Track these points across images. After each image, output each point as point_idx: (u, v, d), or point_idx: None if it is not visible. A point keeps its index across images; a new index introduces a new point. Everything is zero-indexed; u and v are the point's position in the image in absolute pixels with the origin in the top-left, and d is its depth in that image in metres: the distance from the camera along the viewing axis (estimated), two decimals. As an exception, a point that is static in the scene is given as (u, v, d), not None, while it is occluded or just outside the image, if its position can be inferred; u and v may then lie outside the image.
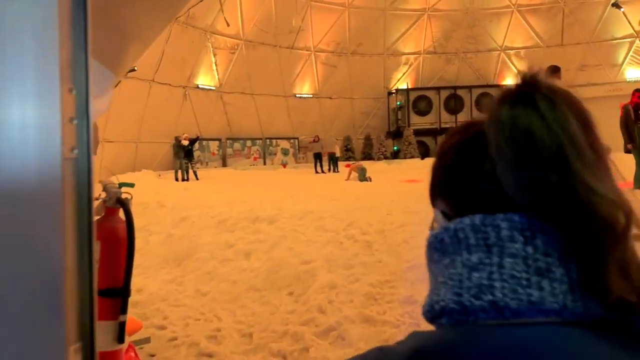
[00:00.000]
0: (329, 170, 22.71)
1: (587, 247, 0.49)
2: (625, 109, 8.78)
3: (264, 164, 26.07)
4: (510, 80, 29.23)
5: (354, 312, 4.15)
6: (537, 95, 0.53)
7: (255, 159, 26.15)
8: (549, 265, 0.50)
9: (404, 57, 29.53)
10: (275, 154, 26.92)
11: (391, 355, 0.53)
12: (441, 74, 29.48)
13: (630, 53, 26.06)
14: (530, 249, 0.51)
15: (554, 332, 0.47)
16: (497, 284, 0.50)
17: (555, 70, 7.33)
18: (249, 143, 26.03)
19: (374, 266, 5.18)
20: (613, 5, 23.28)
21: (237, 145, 25.71)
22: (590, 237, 0.49)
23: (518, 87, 0.55)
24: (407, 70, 29.75)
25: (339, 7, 26.68)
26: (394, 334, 3.70)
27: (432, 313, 0.55)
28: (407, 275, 4.76)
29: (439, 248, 0.58)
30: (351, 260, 5.36)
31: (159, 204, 9.03)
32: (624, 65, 26.32)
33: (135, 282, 5.72)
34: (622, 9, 23.32)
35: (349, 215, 6.85)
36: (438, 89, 28.89)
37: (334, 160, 23.04)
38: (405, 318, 3.99)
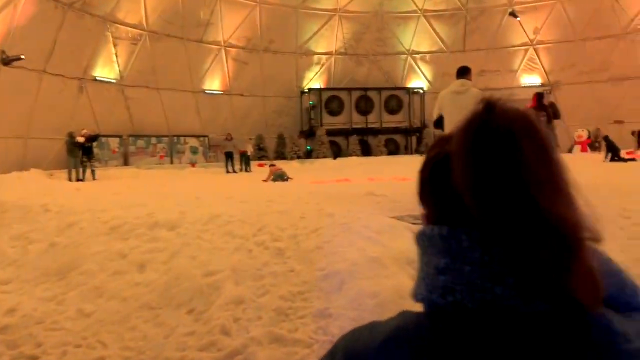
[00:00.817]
0: (241, 170, 22.01)
1: (542, 260, 0.54)
2: None
3: (171, 162, 24.74)
4: (416, 82, 30.26)
5: (262, 331, 3.69)
6: (494, 125, 0.57)
7: (161, 157, 24.75)
8: (502, 273, 0.56)
9: (316, 57, 29.49)
10: (183, 152, 25.66)
11: (378, 327, 0.63)
12: (352, 75, 29.82)
13: (525, 60, 27.95)
14: (487, 258, 0.57)
15: (502, 324, 0.55)
16: (458, 287, 0.57)
17: (465, 70, 7.32)
18: (154, 140, 24.57)
19: (286, 276, 4.74)
20: (510, 14, 24.79)
21: (140, 142, 24.16)
22: (545, 251, 0.54)
23: (478, 118, 0.59)
24: (319, 70, 29.74)
25: (250, 2, 26.02)
26: (306, 355, 3.30)
27: (415, 299, 0.63)
28: (321, 285, 4.37)
29: (420, 245, 0.65)
30: (261, 270, 4.89)
31: (44, 208, 7.97)
32: (519, 72, 28.18)
33: (6, 300, 4.87)
34: (518, 18, 24.90)
35: (260, 219, 6.36)
36: (349, 89, 29.17)
37: (246, 160, 22.37)
38: (319, 335, 3.60)
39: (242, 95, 27.52)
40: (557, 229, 0.54)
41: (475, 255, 0.58)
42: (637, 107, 23.29)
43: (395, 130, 29.33)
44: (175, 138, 25.27)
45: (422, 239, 0.64)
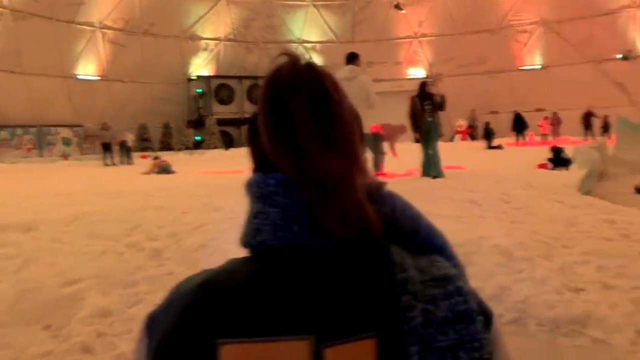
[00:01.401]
0: (122, 162, 20.40)
1: (312, 201, 0.61)
2: (412, 101, 9.18)
3: (41, 156, 22.27)
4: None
5: (133, 346, 3.12)
6: (282, 82, 0.66)
7: (28, 149, 22.21)
8: (298, 214, 0.62)
9: (203, 43, 28.21)
10: (54, 144, 23.25)
11: (206, 271, 0.65)
12: (242, 62, 28.98)
13: (410, 52, 29.12)
14: (287, 201, 0.62)
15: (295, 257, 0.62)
16: (265, 228, 0.63)
17: (354, 57, 7.17)
18: (19, 131, 21.98)
19: (163, 280, 4.18)
20: (395, 7, 25.57)
21: (4, 134, 21.50)
22: (313, 193, 0.61)
23: (269, 77, 0.68)
24: (207, 57, 28.51)
25: (127, -19, 24.15)
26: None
27: (240, 245, 0.68)
28: (203, 289, 3.88)
29: (246, 194, 0.69)
30: (133, 276, 4.28)
31: None
32: (404, 63, 29.29)
33: None
34: (403, 11, 25.77)
35: (135, 217, 5.68)
36: (240, 77, 28.35)
37: (126, 151, 20.76)
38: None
39: (121, 81, 25.53)
40: (318, 176, 0.61)
41: (278, 198, 0.63)
42: (511, 98, 25.28)
43: (290, 120, 28.99)
44: (44, 128, 22.77)
45: (246, 188, 0.68)
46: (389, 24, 28.34)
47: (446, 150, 15.46)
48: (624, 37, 23.86)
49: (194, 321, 0.59)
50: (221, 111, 27.69)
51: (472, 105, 25.82)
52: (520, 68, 26.96)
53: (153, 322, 0.65)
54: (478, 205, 5.59)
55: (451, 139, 26.40)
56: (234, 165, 14.68)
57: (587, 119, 21.80)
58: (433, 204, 5.60)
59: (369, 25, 28.17)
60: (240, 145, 26.44)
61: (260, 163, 0.68)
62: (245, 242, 0.66)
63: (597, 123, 21.76)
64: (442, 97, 9.39)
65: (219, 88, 27.93)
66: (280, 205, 0.63)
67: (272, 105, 0.65)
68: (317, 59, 30.08)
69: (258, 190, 0.65)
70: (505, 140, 21.47)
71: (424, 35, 28.49)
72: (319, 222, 0.61)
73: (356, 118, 0.69)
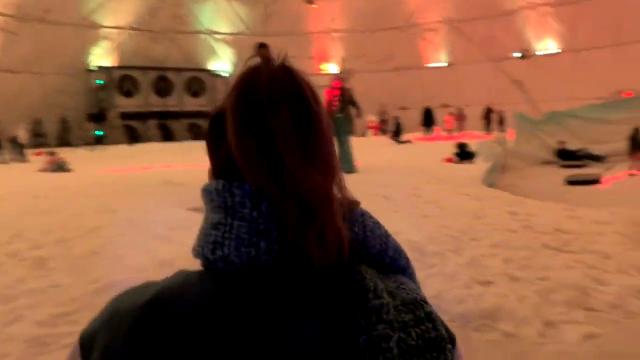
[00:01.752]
0: (13, 159, 18.57)
1: (289, 218, 0.57)
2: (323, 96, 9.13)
3: None
4: (218, 64, 29.42)
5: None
6: (259, 86, 0.60)
7: None
8: (267, 228, 0.57)
9: (103, 31, 26.40)
10: None
11: (150, 287, 0.59)
12: (147, 53, 27.46)
13: (323, 47, 29.19)
14: (255, 214, 0.57)
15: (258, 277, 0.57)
16: (227, 242, 0.57)
17: (264, 47, 6.93)
18: None
19: (47, 294, 3.72)
20: (306, 1, 25.49)
21: None
22: (291, 211, 0.56)
23: (244, 76, 0.63)
24: (109, 46, 26.74)
25: (17, -38, 21.98)
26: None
27: (194, 255, 0.62)
28: (94, 302, 3.46)
29: (203, 201, 0.63)
30: (12, 289, 3.79)
31: None
32: (317, 58, 29.29)
33: None
34: (315, 6, 25.75)
35: (17, 222, 5.05)
36: (145, 69, 26.89)
37: (18, 147, 18.95)
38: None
39: (11, 72, 23.24)
40: (299, 193, 0.56)
41: (245, 210, 0.58)
42: (419, 94, 26.17)
43: (199, 114, 27.76)
44: None
45: (203, 194, 0.63)
46: (302, 18, 28.23)
47: (359, 146, 15.69)
48: (521, 37, 25.56)
49: (142, 345, 0.53)
50: (125, 104, 26.11)
51: (383, 101, 26.45)
52: (427, 65, 28.03)
53: (91, 340, 0.57)
54: (391, 200, 5.57)
55: (363, 134, 26.89)
56: (137, 162, 13.84)
57: (487, 115, 23.11)
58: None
59: (281, 18, 27.86)
60: (147, 140, 25.07)
61: (223, 168, 0.63)
62: (201, 255, 0.60)
63: (495, 118, 23.12)
64: (350, 93, 9.40)
65: (122, 79, 26.32)
66: (247, 218, 0.58)
67: (247, 113, 0.60)
68: (228, 51, 29.33)
69: (220, 200, 0.59)
70: (414, 135, 22.19)
71: (336, 31, 28.71)
72: (290, 241, 0.56)
73: (330, 127, 0.63)
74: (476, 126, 23.04)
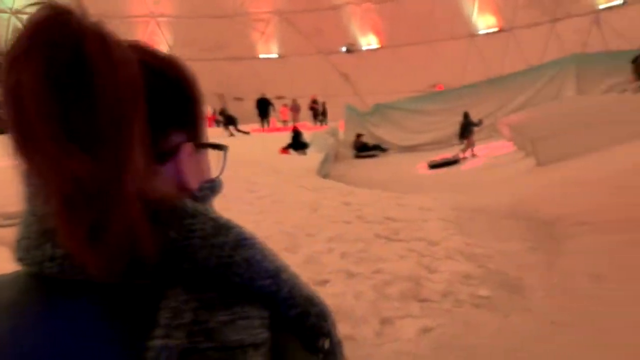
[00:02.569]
0: None
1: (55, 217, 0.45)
2: None
3: None
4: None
5: None
6: (18, 47, 0.45)
7: None
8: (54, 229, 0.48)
9: None
10: None
11: None
12: None
13: (147, 33, 27.22)
14: (42, 209, 0.47)
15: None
16: (22, 242, 0.49)
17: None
18: None
19: None
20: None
21: None
22: (55, 207, 0.44)
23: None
24: None
25: None
26: None
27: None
28: None
29: None
30: None
31: None
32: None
33: None
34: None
35: None
36: None
37: None
38: None
39: None
40: (56, 180, 0.43)
41: (37, 202, 0.48)
42: (254, 84, 25.83)
43: None
44: None
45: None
46: (118, 1, 25.94)
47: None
48: (347, 32, 26.80)
49: None
50: None
51: (217, 91, 25.66)
52: (259, 56, 27.88)
53: None
54: (222, 196, 5.13)
55: (198, 126, 25.84)
56: None
57: (312, 107, 23.78)
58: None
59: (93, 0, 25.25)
60: None
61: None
62: (16, 256, 0.51)
63: (320, 109, 23.90)
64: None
65: None
66: (37, 212, 0.48)
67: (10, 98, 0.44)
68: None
69: (26, 198, 0.50)
70: (251, 126, 21.96)
71: (162, 15, 26.96)
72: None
73: (128, 101, 0.44)
74: (310, 118, 23.68)
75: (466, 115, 12.24)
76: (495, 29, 21.43)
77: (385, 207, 5.65)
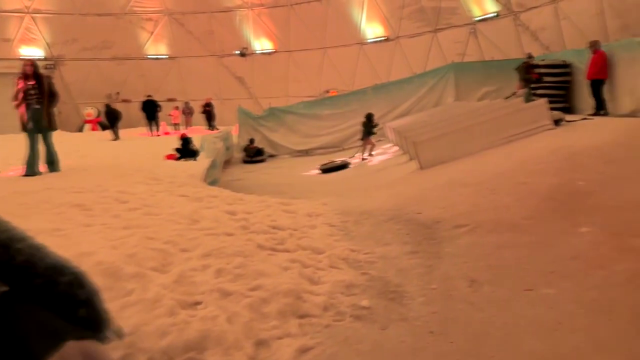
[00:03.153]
0: None
1: None
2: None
3: None
4: None
5: None
6: None
7: None
8: None
9: None
10: None
11: None
12: None
13: (21, 29, 24.63)
14: None
15: None
16: None
17: None
18: None
19: None
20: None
21: None
22: None
23: None
24: None
25: None
26: None
27: None
28: None
29: None
30: None
31: None
32: (16, 41, 24.58)
33: None
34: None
35: None
36: None
37: None
38: None
39: None
40: None
41: None
42: (142, 86, 24.35)
43: None
44: None
45: None
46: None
47: (71, 143, 13.63)
48: (240, 35, 26.28)
49: None
50: None
51: (102, 92, 23.88)
52: (148, 56, 26.41)
53: None
54: (86, 209, 4.59)
55: (80, 129, 23.91)
56: None
57: (205, 110, 23.03)
58: (26, 214, 4.31)
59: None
60: None
61: None
62: None
63: (212, 113, 23.18)
64: (50, 81, 7.91)
65: None
66: None
67: None
68: None
69: None
70: (138, 130, 20.75)
71: (37, 12, 24.56)
72: None
73: None
74: (204, 121, 22.93)
75: (369, 117, 12.41)
76: (383, 38, 22.22)
77: (272, 214, 5.44)
